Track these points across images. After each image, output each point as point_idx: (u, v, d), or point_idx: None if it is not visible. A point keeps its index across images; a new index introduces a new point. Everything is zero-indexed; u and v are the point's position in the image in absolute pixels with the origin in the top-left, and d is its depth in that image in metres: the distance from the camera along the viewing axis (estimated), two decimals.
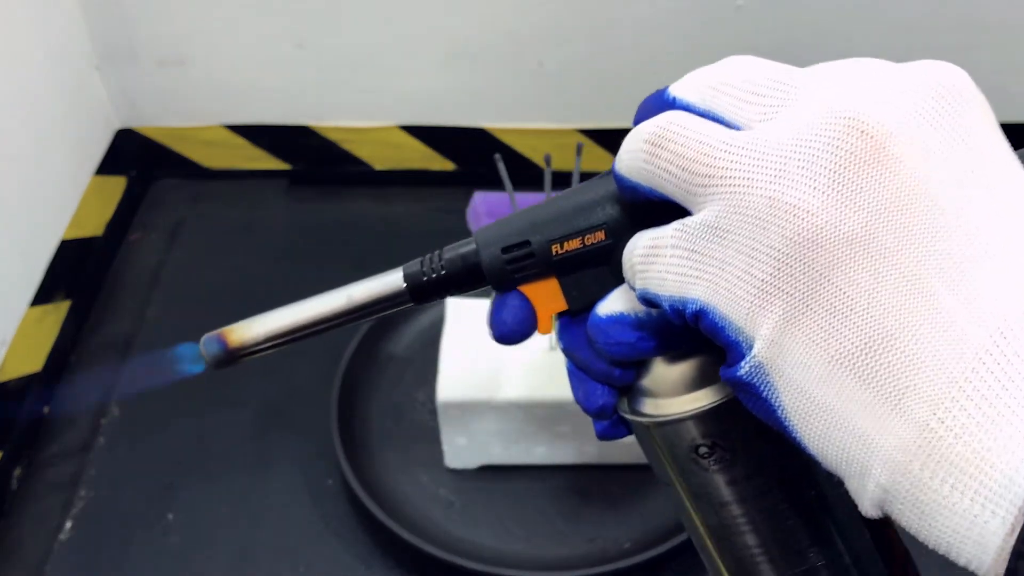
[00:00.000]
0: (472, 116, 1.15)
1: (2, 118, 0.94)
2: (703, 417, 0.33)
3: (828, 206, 0.26)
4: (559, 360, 0.85)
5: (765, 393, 0.28)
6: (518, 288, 0.35)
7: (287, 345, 0.36)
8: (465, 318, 0.88)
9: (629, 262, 0.31)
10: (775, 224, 0.27)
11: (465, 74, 1.11)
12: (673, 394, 0.33)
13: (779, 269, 0.27)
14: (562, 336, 0.36)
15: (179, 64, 1.12)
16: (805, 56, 0.30)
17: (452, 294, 0.36)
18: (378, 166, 1.20)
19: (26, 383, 0.95)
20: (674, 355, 0.33)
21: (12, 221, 0.95)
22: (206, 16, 1.08)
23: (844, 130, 0.26)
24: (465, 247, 0.35)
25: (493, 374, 0.85)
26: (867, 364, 0.26)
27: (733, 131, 0.29)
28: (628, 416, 0.35)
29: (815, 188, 0.26)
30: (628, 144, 0.30)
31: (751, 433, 0.32)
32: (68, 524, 0.87)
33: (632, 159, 0.30)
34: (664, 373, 0.34)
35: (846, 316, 0.26)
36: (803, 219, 0.26)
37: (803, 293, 0.26)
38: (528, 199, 0.88)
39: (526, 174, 1.08)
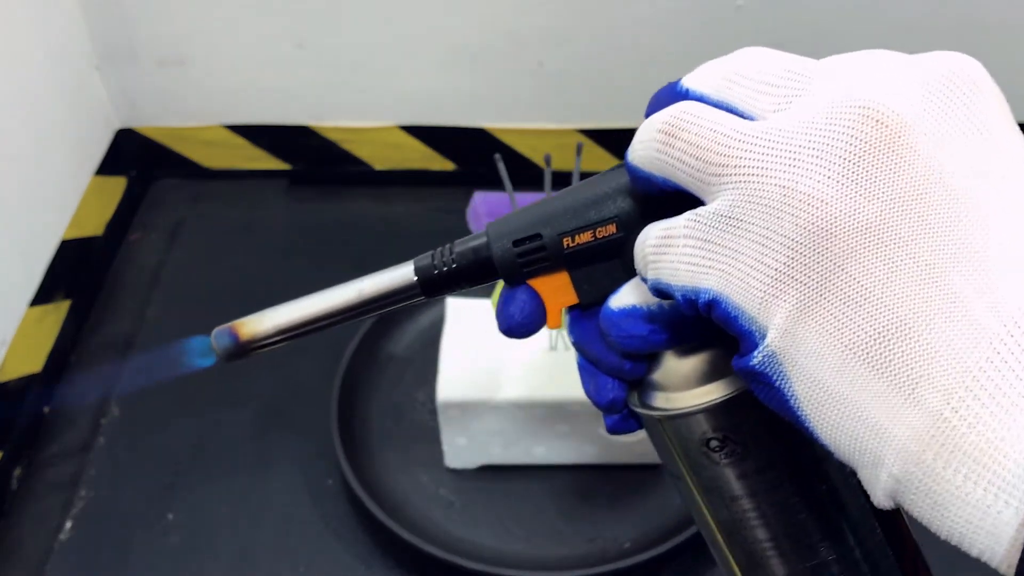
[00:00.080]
0: (472, 116, 1.15)
1: (2, 118, 0.94)
2: (714, 411, 0.32)
3: (842, 195, 0.26)
4: (559, 360, 0.85)
5: (778, 383, 0.28)
6: (527, 282, 0.35)
7: (298, 338, 0.36)
8: (465, 318, 0.88)
9: (641, 253, 0.31)
10: (789, 213, 0.26)
11: (465, 74, 1.11)
12: (684, 388, 0.33)
13: (793, 258, 0.27)
14: (573, 330, 0.36)
15: (179, 64, 1.12)
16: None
17: (463, 287, 0.36)
18: (378, 166, 1.20)
19: (26, 383, 0.95)
20: (685, 349, 0.33)
21: (12, 221, 0.95)
22: (206, 16, 1.08)
23: (859, 119, 0.26)
24: (476, 240, 0.35)
25: (493, 374, 0.84)
26: (881, 353, 0.26)
27: (747, 121, 0.29)
28: (639, 410, 0.35)
29: (829, 177, 0.26)
30: (641, 134, 0.30)
31: (762, 427, 0.32)
32: (68, 524, 0.87)
33: (645, 149, 0.30)
34: (675, 367, 0.34)
35: (860, 305, 0.26)
36: (817, 208, 0.26)
37: (817, 282, 0.26)
38: (528, 199, 0.88)
39: (526, 174, 1.08)
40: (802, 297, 0.27)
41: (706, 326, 0.30)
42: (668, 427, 0.34)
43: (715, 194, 0.28)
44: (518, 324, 0.35)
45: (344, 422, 0.89)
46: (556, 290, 0.35)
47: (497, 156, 0.83)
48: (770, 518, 0.33)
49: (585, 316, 0.36)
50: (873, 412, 0.26)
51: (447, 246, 0.36)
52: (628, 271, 0.33)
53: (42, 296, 0.98)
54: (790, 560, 0.34)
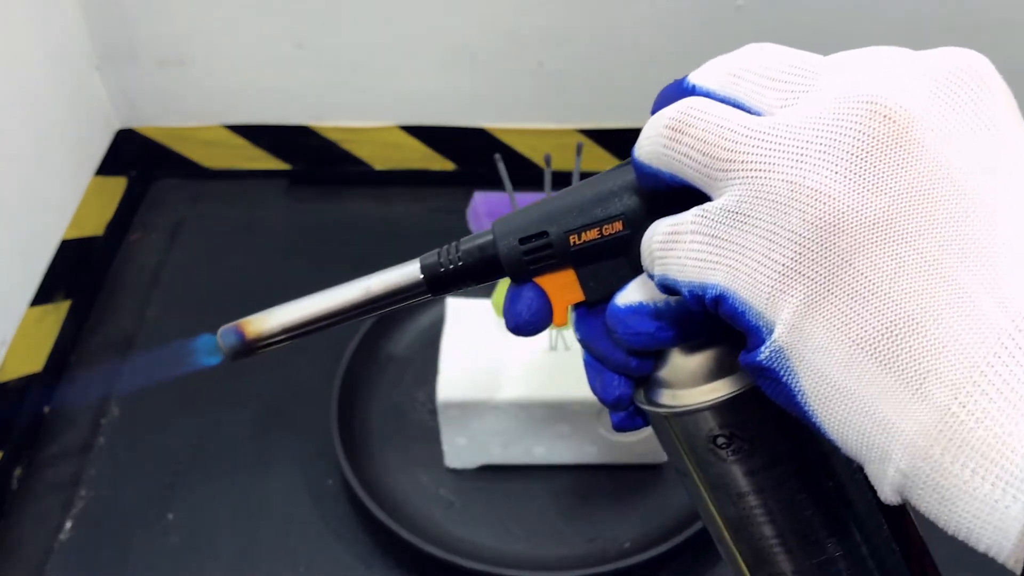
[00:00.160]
0: (472, 116, 1.15)
1: (2, 118, 0.94)
2: (721, 407, 0.32)
3: (850, 190, 0.26)
4: (559, 360, 0.85)
5: (785, 378, 0.28)
6: (533, 280, 0.35)
7: (303, 337, 0.36)
8: (465, 318, 0.88)
9: (648, 249, 0.31)
10: (796, 208, 0.26)
11: (465, 74, 1.11)
12: (691, 384, 0.33)
13: (800, 253, 0.27)
14: (579, 327, 0.36)
15: (179, 64, 1.12)
16: None
17: (469, 285, 0.36)
18: (378, 166, 1.20)
19: (26, 383, 0.95)
20: (692, 346, 0.33)
21: (12, 221, 0.95)
22: (206, 16, 1.08)
23: (866, 114, 0.26)
24: (482, 238, 0.35)
25: (493, 374, 0.84)
26: (888, 348, 0.26)
27: (754, 116, 0.29)
28: (645, 407, 0.35)
29: (837, 172, 0.26)
30: (648, 130, 0.30)
31: (769, 423, 0.32)
32: (68, 524, 0.87)
33: (652, 145, 0.30)
34: (682, 364, 0.34)
35: (867, 300, 0.26)
36: (825, 203, 0.26)
37: (824, 277, 0.26)
38: (528, 199, 0.88)
39: (526, 174, 1.08)
40: (809, 292, 0.27)
41: (713, 323, 0.30)
42: (675, 424, 0.34)
43: (722, 190, 0.28)
44: (526, 322, 0.35)
45: (344, 422, 0.89)
46: (562, 288, 0.35)
47: (497, 156, 0.83)
48: (777, 514, 0.33)
49: (591, 313, 0.36)
50: (881, 407, 0.26)
51: (453, 244, 0.36)
52: (634, 268, 0.33)
53: (42, 296, 0.98)
54: (797, 556, 0.34)
